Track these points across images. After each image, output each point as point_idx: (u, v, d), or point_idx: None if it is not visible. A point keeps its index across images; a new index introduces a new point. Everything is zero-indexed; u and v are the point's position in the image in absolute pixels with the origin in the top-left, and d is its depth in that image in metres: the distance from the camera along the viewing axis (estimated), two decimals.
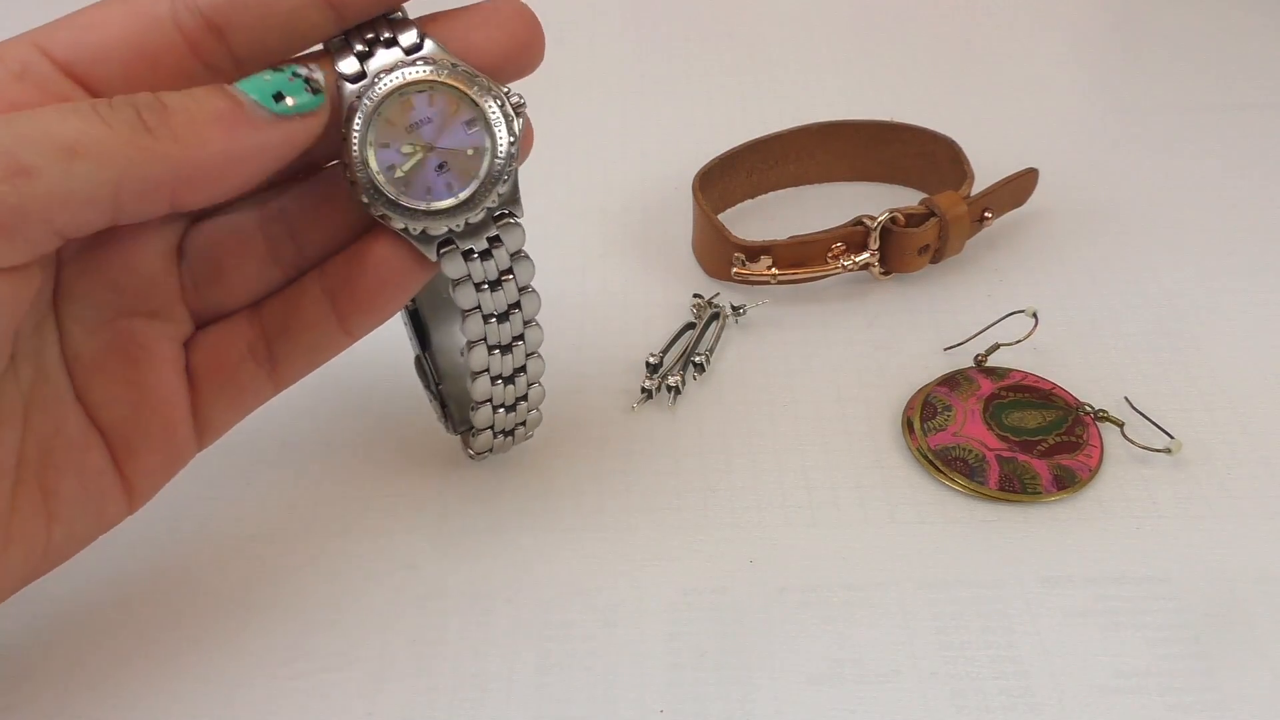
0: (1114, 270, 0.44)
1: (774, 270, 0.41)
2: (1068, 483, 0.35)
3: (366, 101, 0.25)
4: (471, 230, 0.27)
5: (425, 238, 0.27)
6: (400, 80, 0.25)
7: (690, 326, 0.41)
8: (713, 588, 0.32)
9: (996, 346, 0.39)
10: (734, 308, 0.41)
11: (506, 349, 0.30)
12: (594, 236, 0.46)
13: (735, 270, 0.42)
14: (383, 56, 0.25)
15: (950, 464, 0.35)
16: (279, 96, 0.24)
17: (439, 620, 0.32)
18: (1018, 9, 0.62)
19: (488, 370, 0.30)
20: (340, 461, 0.36)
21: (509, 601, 0.32)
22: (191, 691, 0.30)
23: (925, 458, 0.36)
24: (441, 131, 0.26)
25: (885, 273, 0.43)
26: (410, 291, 0.28)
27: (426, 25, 0.26)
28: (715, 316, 0.41)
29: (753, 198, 0.48)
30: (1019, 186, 0.45)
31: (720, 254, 0.42)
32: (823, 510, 0.35)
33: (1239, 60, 0.57)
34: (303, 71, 0.24)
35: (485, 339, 0.30)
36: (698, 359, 0.39)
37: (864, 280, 0.43)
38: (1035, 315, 0.39)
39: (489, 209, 0.27)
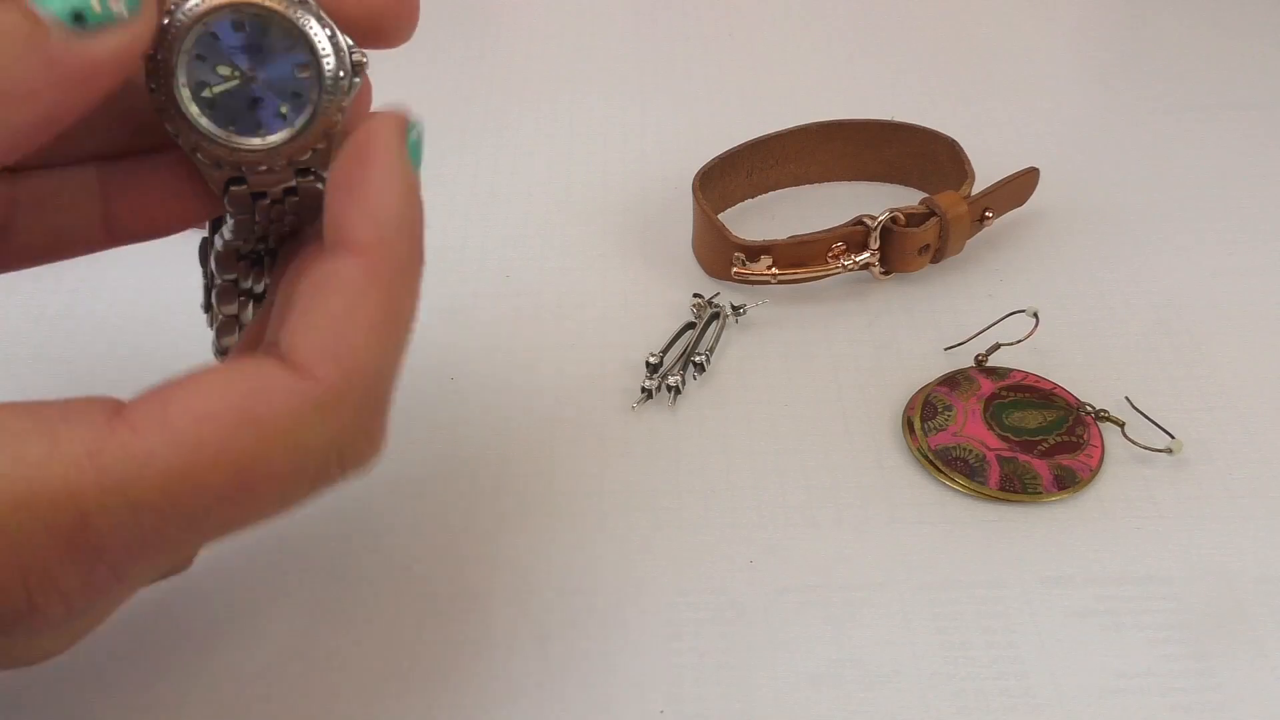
0: (1114, 270, 0.44)
1: (774, 270, 0.41)
2: (1068, 483, 0.35)
3: (183, 15, 0.23)
4: (268, 174, 0.25)
5: (215, 169, 0.24)
6: None
7: (690, 326, 0.41)
8: (713, 588, 0.32)
9: (997, 346, 0.39)
10: (734, 308, 0.41)
11: (260, 298, 0.28)
12: (594, 236, 0.46)
13: (735, 270, 0.42)
14: None
15: (951, 464, 0.35)
16: (79, 17, 0.21)
17: (439, 620, 0.32)
18: (1018, 9, 0.62)
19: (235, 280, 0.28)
20: None
21: (509, 601, 0.32)
22: (191, 692, 0.30)
23: (926, 458, 0.36)
24: (265, 64, 0.24)
25: (885, 273, 0.43)
26: (191, 220, 0.26)
27: None
28: (715, 316, 0.41)
29: (753, 198, 0.48)
30: (1019, 186, 0.45)
31: (720, 254, 0.42)
32: (823, 510, 0.35)
33: (1239, 60, 0.57)
34: None
35: (238, 281, 0.27)
36: (698, 359, 0.39)
37: (864, 280, 0.43)
38: (1036, 315, 0.39)
39: (294, 164, 0.25)
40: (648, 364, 0.39)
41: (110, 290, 0.43)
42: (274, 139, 0.24)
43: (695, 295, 0.42)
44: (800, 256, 0.41)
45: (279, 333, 0.22)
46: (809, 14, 0.62)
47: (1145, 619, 0.31)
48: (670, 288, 0.43)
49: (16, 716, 0.29)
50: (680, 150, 0.50)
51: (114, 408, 0.20)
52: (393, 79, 0.56)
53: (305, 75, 0.24)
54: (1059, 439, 0.36)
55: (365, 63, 0.24)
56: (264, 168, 0.24)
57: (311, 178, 0.25)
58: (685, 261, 0.45)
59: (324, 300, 0.22)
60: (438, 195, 0.48)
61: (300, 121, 0.24)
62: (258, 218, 0.25)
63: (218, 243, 0.27)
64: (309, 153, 0.25)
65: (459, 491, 0.35)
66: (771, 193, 0.49)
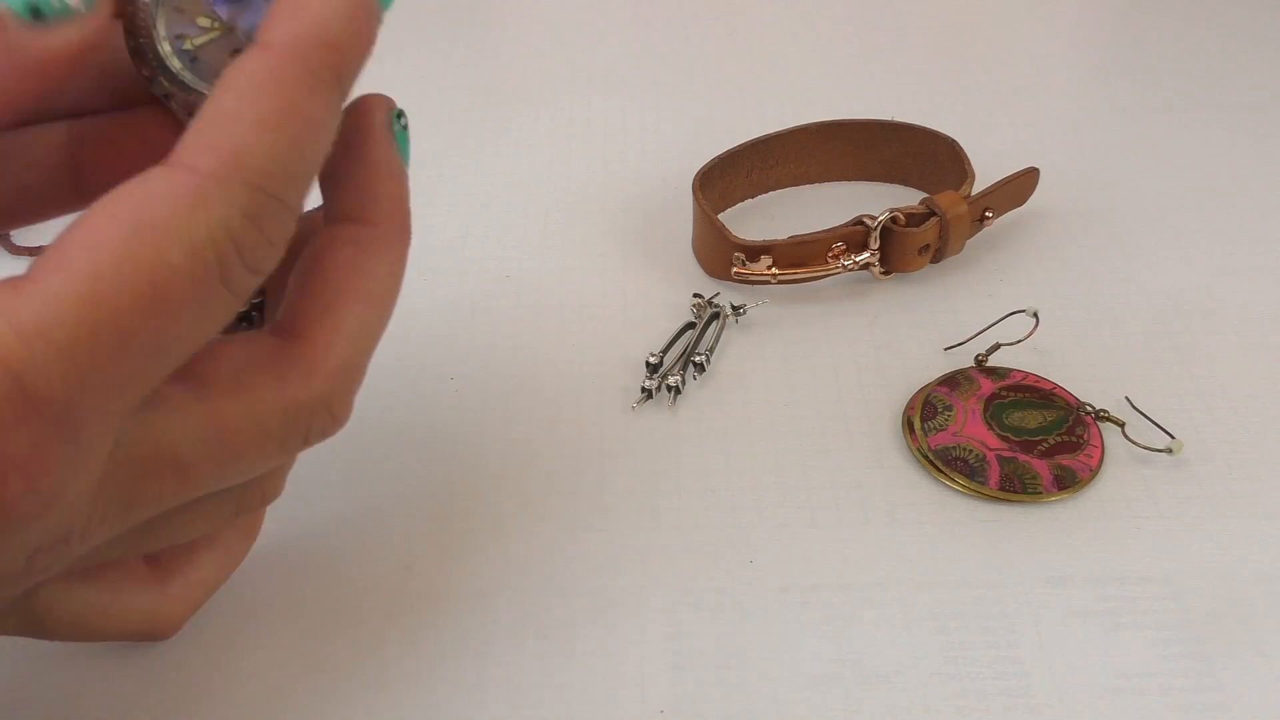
0: (1114, 270, 0.44)
1: (774, 270, 0.41)
2: (1068, 483, 0.35)
3: None
4: None
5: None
6: None
7: (690, 326, 0.41)
8: (713, 588, 0.32)
9: (997, 346, 0.39)
10: (734, 308, 0.41)
11: None
12: (594, 236, 0.46)
13: (735, 270, 0.42)
14: None
15: (951, 464, 0.35)
16: (36, 11, 0.21)
17: (439, 620, 0.32)
18: (1018, 9, 0.62)
19: None
20: (339, 462, 0.36)
21: (509, 601, 0.32)
22: (191, 692, 0.30)
23: (926, 458, 0.36)
24: (245, 14, 0.24)
25: (885, 272, 0.43)
26: None
27: None
28: (715, 316, 0.41)
29: (753, 198, 0.48)
30: (1019, 186, 0.45)
31: (720, 254, 0.42)
32: (823, 510, 0.35)
33: (1239, 60, 0.57)
34: None
35: None
36: (698, 359, 0.39)
37: (864, 280, 0.43)
38: (1036, 315, 0.39)
39: None
40: (648, 364, 0.39)
41: None
42: None
43: (695, 295, 0.42)
44: (800, 256, 0.41)
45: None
46: (809, 14, 0.62)
47: (1145, 619, 0.31)
48: (670, 288, 0.43)
49: (16, 716, 0.29)
50: (680, 150, 0.50)
51: (14, 278, 0.20)
52: (393, 79, 0.56)
53: None
54: (1059, 439, 0.36)
55: None
56: None
57: None
58: (685, 261, 0.45)
59: (216, 99, 0.21)
60: (438, 195, 0.48)
61: None
62: None
63: None
64: None
65: (458, 491, 0.35)
66: (771, 193, 0.49)
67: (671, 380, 0.38)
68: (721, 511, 0.35)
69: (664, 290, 0.43)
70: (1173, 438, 0.36)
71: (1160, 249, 0.45)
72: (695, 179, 0.44)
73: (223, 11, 0.23)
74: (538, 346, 0.40)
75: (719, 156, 0.45)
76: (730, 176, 0.46)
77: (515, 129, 0.53)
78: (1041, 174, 0.45)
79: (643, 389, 0.38)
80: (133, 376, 0.20)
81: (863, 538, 0.34)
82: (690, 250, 0.45)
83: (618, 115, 0.54)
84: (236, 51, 0.24)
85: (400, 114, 0.26)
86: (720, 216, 0.45)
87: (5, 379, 0.18)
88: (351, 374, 0.24)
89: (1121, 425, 0.36)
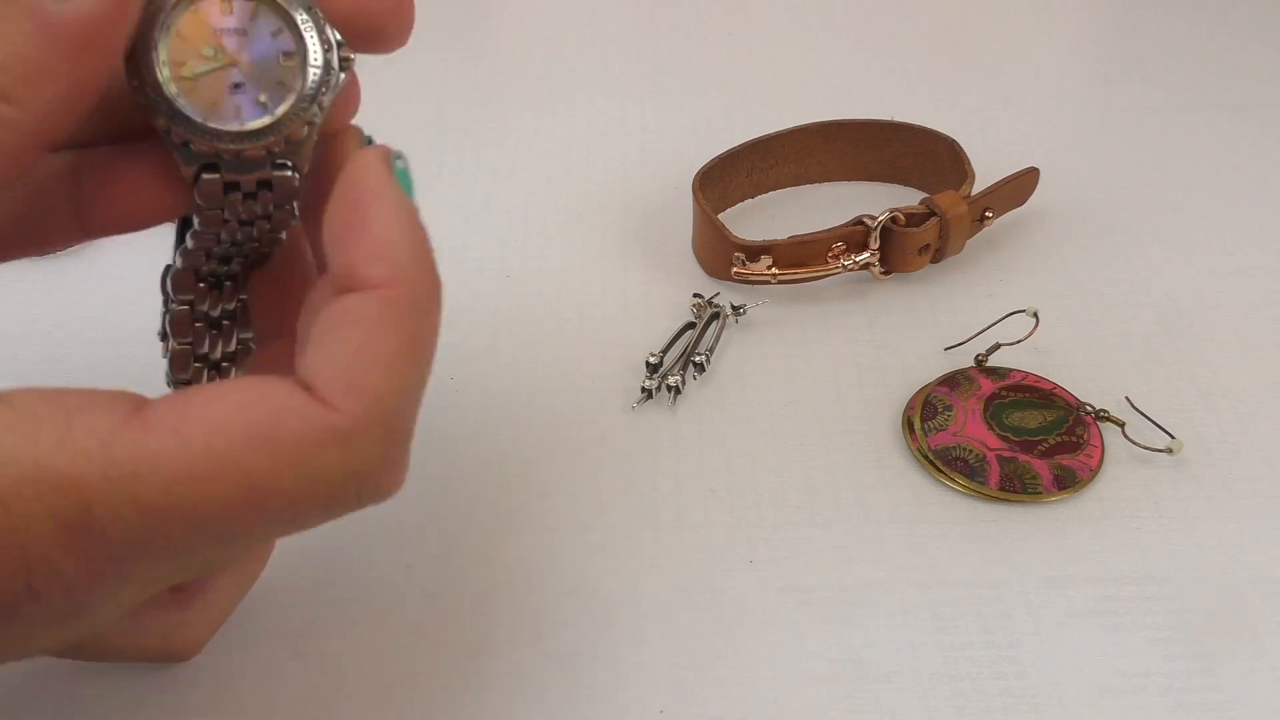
0: (1114, 270, 0.44)
1: (774, 270, 0.41)
2: (1068, 483, 0.35)
3: None
4: (242, 165, 0.24)
5: (188, 153, 0.23)
6: None
7: (690, 326, 0.41)
8: (713, 588, 0.32)
9: (997, 346, 0.39)
10: (734, 308, 0.41)
11: (217, 323, 0.27)
12: (594, 236, 0.46)
13: (735, 270, 0.42)
14: None
15: (951, 464, 0.35)
16: None
17: (439, 620, 0.32)
18: (1018, 9, 0.62)
19: (191, 304, 0.27)
20: None
21: (509, 601, 0.32)
22: (190, 693, 0.30)
23: (925, 458, 0.36)
24: (249, 48, 0.23)
25: (885, 272, 0.43)
26: (167, 213, 0.25)
27: None
28: (715, 316, 0.41)
29: (753, 198, 0.48)
30: (1019, 186, 0.45)
31: (720, 254, 0.42)
32: (823, 510, 0.35)
33: (1239, 60, 0.57)
34: None
35: (193, 303, 0.27)
36: (698, 359, 0.39)
37: (864, 280, 0.43)
38: (1036, 315, 0.39)
39: (271, 153, 0.24)
40: (648, 364, 0.39)
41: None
42: (251, 125, 0.23)
43: (695, 295, 0.42)
44: (800, 256, 0.41)
45: (299, 363, 0.22)
46: (809, 14, 0.62)
47: (1145, 619, 0.31)
48: (670, 288, 0.43)
49: (14, 715, 0.29)
50: (680, 150, 0.50)
51: (136, 404, 0.21)
52: (393, 80, 0.56)
53: (290, 64, 0.23)
54: (1059, 439, 0.36)
55: (353, 59, 0.24)
56: (238, 156, 0.24)
57: (288, 171, 0.24)
58: (685, 261, 0.45)
59: (343, 333, 0.21)
60: (438, 196, 0.48)
61: (281, 110, 0.23)
62: (227, 215, 0.25)
63: (177, 259, 0.26)
64: (286, 144, 0.24)
65: (459, 491, 0.35)
66: (771, 193, 0.49)
67: (671, 380, 0.38)
68: (721, 511, 0.35)
69: (664, 290, 0.43)
70: (1173, 438, 0.36)
71: (1160, 249, 0.45)
72: (695, 179, 0.44)
73: (229, 43, 0.23)
74: (538, 346, 0.40)
75: (719, 156, 0.45)
76: (730, 176, 0.46)
77: (515, 129, 0.53)
78: (1041, 174, 0.45)
79: (643, 389, 0.38)
80: (191, 548, 0.21)
81: (862, 538, 0.34)
82: (690, 250, 0.45)
83: (618, 115, 0.54)
84: (235, 86, 0.23)
85: (399, 155, 0.25)
86: (720, 216, 0.45)
87: (76, 502, 0.19)
88: (397, 444, 0.23)
89: (1121, 425, 0.36)
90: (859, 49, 0.59)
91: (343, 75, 0.24)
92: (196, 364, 0.28)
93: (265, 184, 0.24)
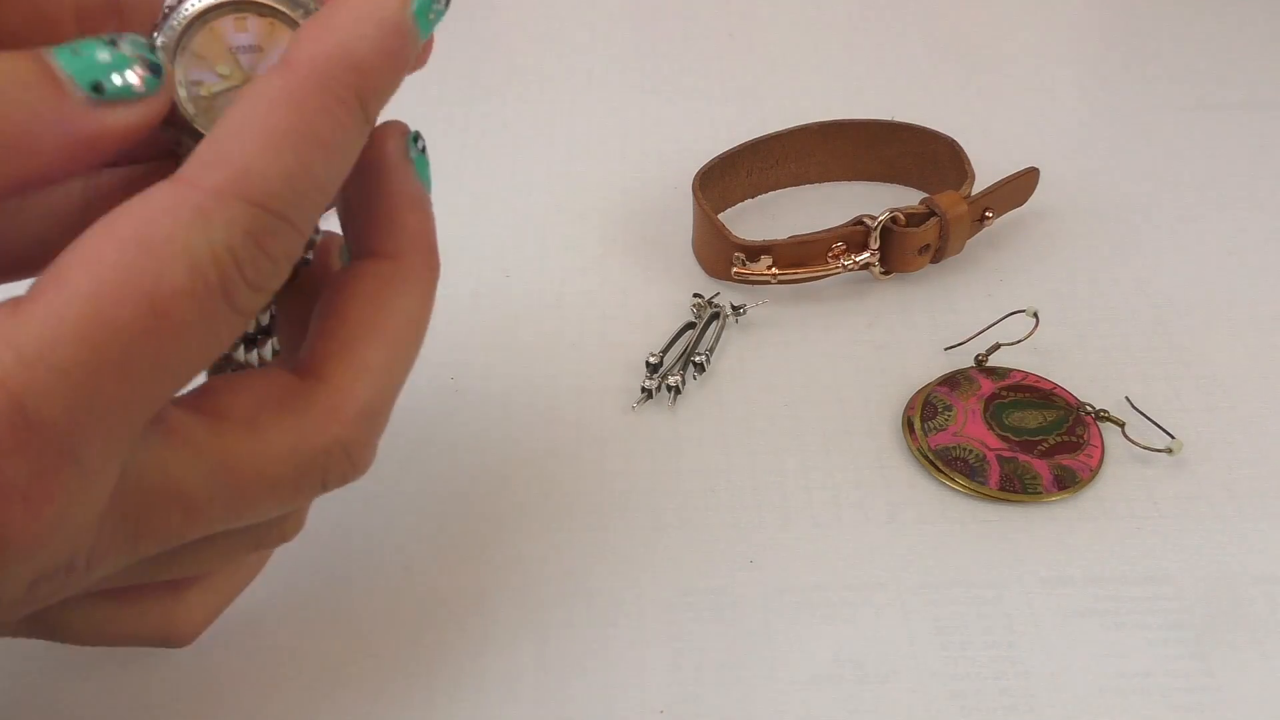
0: (1114, 270, 0.44)
1: (774, 270, 0.41)
2: (1068, 483, 0.35)
3: (187, 9, 0.22)
4: None
5: None
6: None
7: (690, 326, 0.41)
8: (713, 588, 0.32)
9: (997, 346, 0.39)
10: (734, 308, 0.41)
11: None
12: (594, 236, 0.46)
13: (735, 270, 0.42)
14: None
15: (951, 464, 0.35)
16: (98, 88, 0.20)
17: (439, 620, 0.32)
18: (1018, 9, 0.62)
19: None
20: None
21: (509, 602, 0.32)
22: (190, 694, 0.30)
23: (925, 458, 0.36)
24: (264, 65, 0.23)
25: (885, 272, 0.43)
26: None
27: None
28: (715, 316, 0.41)
29: (753, 198, 0.48)
30: (1019, 186, 0.45)
31: (720, 254, 0.42)
32: (823, 510, 0.35)
33: (1239, 60, 0.57)
34: (137, 50, 0.21)
35: None
36: (698, 359, 0.39)
37: (864, 280, 0.43)
38: (1036, 315, 0.39)
39: None
40: (648, 364, 0.39)
41: None
42: None
43: (695, 295, 0.42)
44: (800, 256, 0.41)
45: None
46: (809, 14, 0.62)
47: (1145, 619, 0.31)
48: (670, 288, 0.43)
49: (14, 714, 0.29)
50: (680, 150, 0.50)
51: (15, 297, 0.20)
52: None
53: None
54: (1059, 439, 0.36)
55: None
56: None
57: None
58: (685, 261, 0.45)
59: (228, 115, 0.21)
60: (437, 196, 0.48)
61: None
62: None
63: None
64: None
65: (459, 492, 0.35)
66: (771, 193, 0.49)
67: (671, 380, 0.38)
68: (721, 511, 0.35)
69: (664, 290, 0.43)
70: (1173, 438, 0.36)
71: (1160, 249, 0.45)
72: (695, 179, 0.44)
73: (245, 60, 0.23)
74: (538, 346, 0.40)
75: (719, 156, 0.45)
76: (730, 176, 0.46)
77: (515, 129, 0.53)
78: (1041, 174, 0.45)
79: (643, 389, 0.38)
80: (137, 397, 0.20)
81: (862, 538, 0.34)
82: (690, 250, 0.45)
83: (618, 115, 0.54)
84: None
85: (417, 136, 0.25)
86: (720, 216, 0.45)
87: (6, 403, 0.18)
88: (373, 419, 0.23)
89: (1121, 425, 0.36)
90: (859, 49, 0.59)
91: None
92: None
93: None
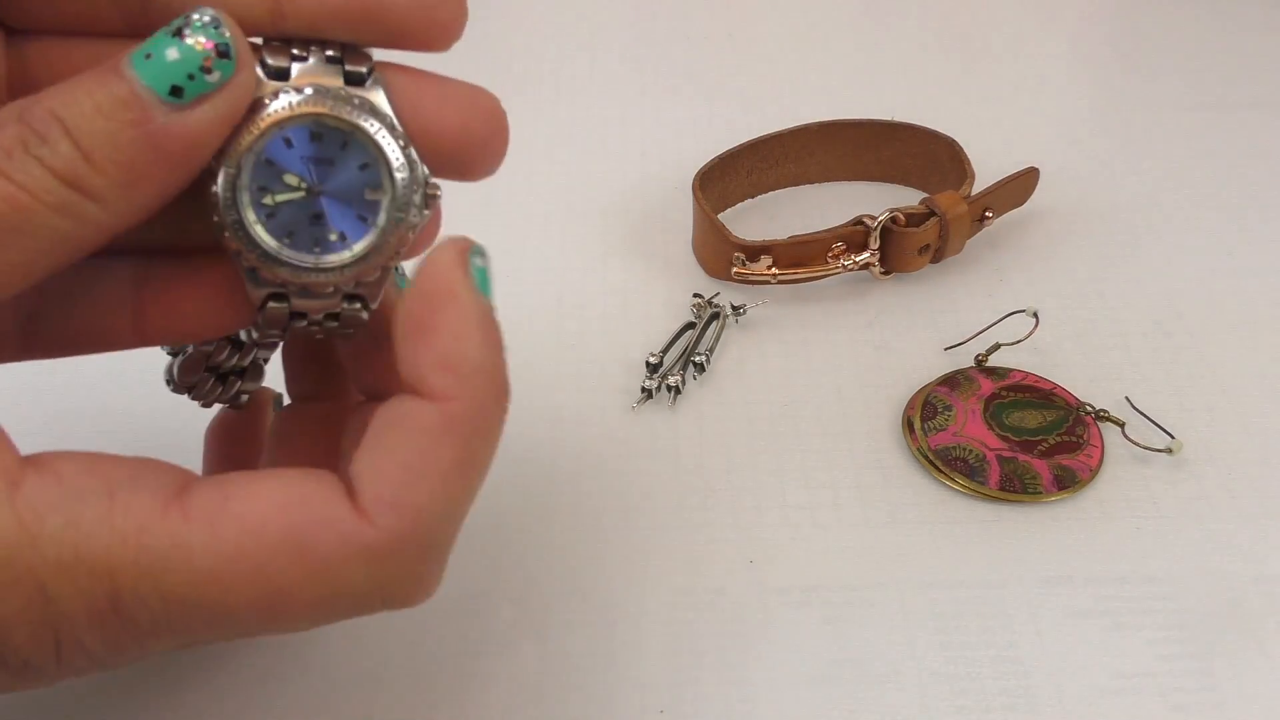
0: (1114, 270, 0.44)
1: (774, 270, 0.41)
2: (1068, 483, 0.35)
3: (266, 115, 0.21)
4: (311, 296, 0.23)
5: (255, 280, 0.22)
6: (323, 101, 0.21)
7: (690, 326, 0.41)
8: (713, 588, 0.32)
9: (997, 346, 0.39)
10: (734, 308, 0.41)
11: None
12: (594, 236, 0.46)
13: (735, 270, 0.42)
14: (316, 69, 0.22)
15: (950, 464, 0.35)
16: (176, 91, 0.20)
17: (439, 620, 0.32)
18: (1018, 9, 0.62)
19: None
20: None
21: (509, 601, 0.32)
22: (188, 695, 0.30)
23: (925, 458, 0.36)
24: (334, 179, 0.22)
25: (885, 272, 0.43)
26: (225, 330, 0.25)
27: (383, 69, 0.22)
28: (715, 316, 0.41)
29: (753, 198, 0.48)
30: (1019, 186, 0.45)
31: (720, 254, 0.42)
32: (822, 510, 0.35)
33: (1239, 60, 0.57)
34: (203, 34, 0.20)
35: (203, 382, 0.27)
36: (698, 359, 0.39)
37: (864, 280, 0.43)
38: (1036, 315, 0.39)
39: (343, 290, 0.23)
40: (648, 364, 0.39)
41: None
42: (331, 259, 0.22)
43: (695, 295, 0.42)
44: (800, 256, 0.41)
45: (352, 457, 0.21)
46: (809, 14, 0.62)
47: (1145, 619, 0.31)
48: (670, 288, 0.43)
49: (13, 715, 0.29)
50: (680, 150, 0.50)
51: (181, 485, 0.20)
52: None
53: (375, 198, 0.22)
54: (1059, 439, 0.36)
55: (439, 195, 0.23)
56: (304, 288, 0.22)
57: (358, 305, 0.23)
58: (685, 261, 0.45)
59: (397, 441, 0.21)
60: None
61: (361, 247, 0.22)
62: (286, 337, 0.24)
63: (189, 347, 0.26)
64: (362, 281, 0.23)
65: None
66: (771, 193, 0.49)
67: (671, 380, 0.38)
68: (721, 511, 0.35)
69: (664, 290, 0.43)
70: (1173, 438, 0.36)
71: (1160, 249, 0.45)
72: (695, 179, 0.44)
73: (315, 172, 0.22)
74: (537, 346, 0.40)
75: (719, 156, 0.45)
76: (730, 176, 0.46)
77: (515, 129, 0.53)
78: (1041, 174, 0.45)
79: (643, 389, 0.38)
80: (212, 638, 0.21)
81: (862, 538, 0.34)
82: (690, 250, 0.45)
83: (618, 115, 0.54)
84: (316, 217, 0.22)
85: (478, 252, 0.22)
86: (720, 216, 0.45)
87: (107, 587, 0.19)
88: (431, 557, 0.22)
89: (1121, 425, 0.36)
90: (859, 49, 0.59)
91: (426, 213, 0.23)
92: (206, 372, 0.28)
93: (333, 316, 0.23)
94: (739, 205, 0.48)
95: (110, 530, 0.19)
